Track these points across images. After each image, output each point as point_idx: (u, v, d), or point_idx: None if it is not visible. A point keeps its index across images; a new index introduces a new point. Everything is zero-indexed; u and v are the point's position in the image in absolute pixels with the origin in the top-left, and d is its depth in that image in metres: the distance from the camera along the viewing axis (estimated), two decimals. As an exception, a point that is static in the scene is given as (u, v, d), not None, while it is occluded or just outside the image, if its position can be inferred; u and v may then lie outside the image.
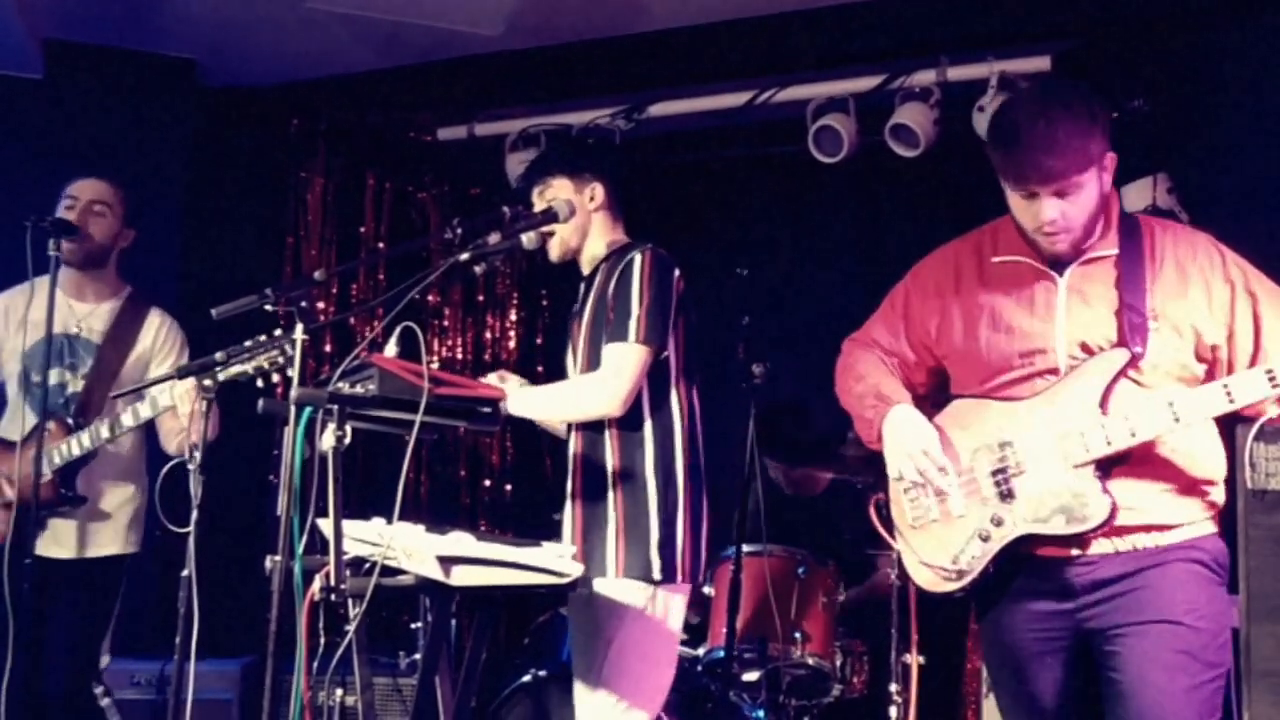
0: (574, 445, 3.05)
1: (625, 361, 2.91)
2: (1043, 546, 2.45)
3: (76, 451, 3.55)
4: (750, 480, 3.92)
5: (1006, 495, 2.46)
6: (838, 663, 4.07)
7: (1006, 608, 2.54)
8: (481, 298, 6.02)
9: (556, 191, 3.12)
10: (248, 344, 2.77)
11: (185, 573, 2.81)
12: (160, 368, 3.74)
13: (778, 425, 4.81)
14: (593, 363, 3.02)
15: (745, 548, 3.95)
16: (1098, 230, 2.47)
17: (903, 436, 2.55)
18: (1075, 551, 2.43)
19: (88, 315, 3.76)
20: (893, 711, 4.04)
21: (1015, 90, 4.61)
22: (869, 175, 5.32)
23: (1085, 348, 2.43)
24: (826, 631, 4.08)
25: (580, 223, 3.12)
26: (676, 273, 3.01)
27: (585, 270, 3.18)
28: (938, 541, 2.55)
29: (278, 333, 2.73)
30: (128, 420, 3.49)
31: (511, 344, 6.05)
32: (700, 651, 4.12)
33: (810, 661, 4.01)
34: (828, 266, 5.71)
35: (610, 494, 2.94)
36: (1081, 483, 2.38)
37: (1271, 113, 4.04)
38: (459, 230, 2.74)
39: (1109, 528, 2.37)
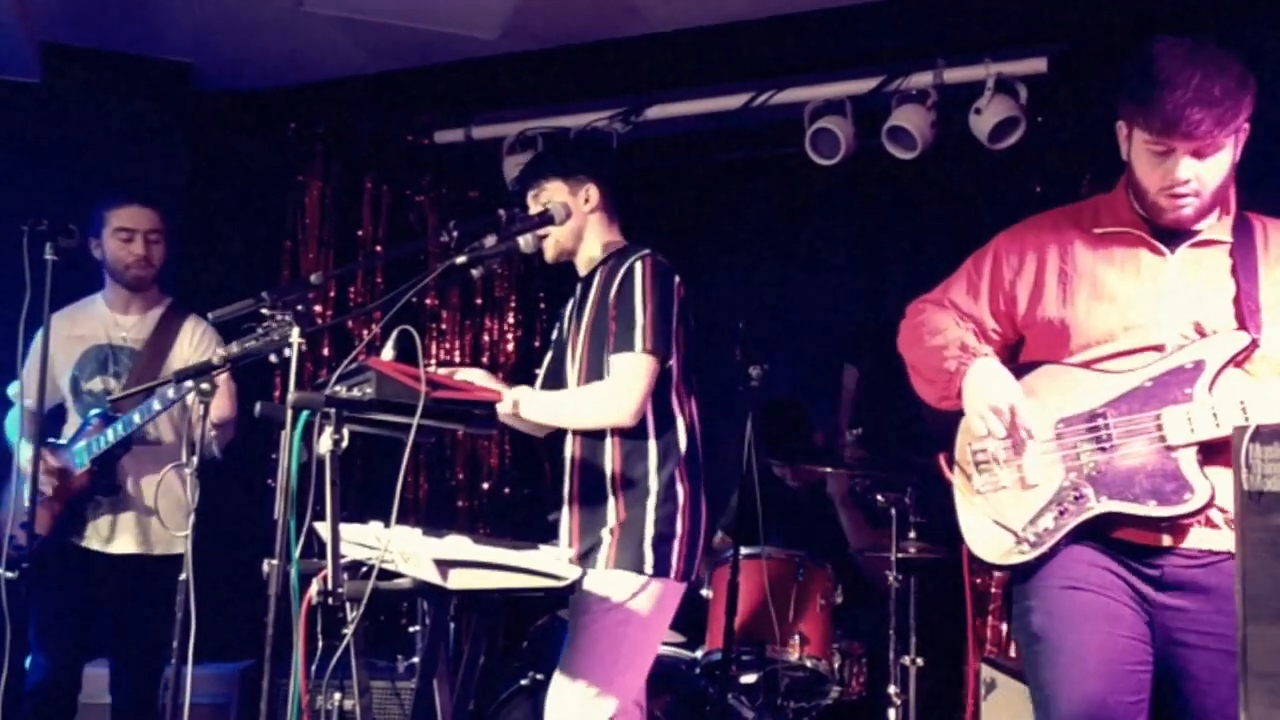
0: (572, 449, 3.05)
1: (635, 372, 2.91)
2: (1128, 530, 2.32)
3: (111, 439, 3.68)
4: (748, 482, 3.92)
5: (1092, 468, 2.34)
6: (836, 665, 4.07)
7: (1080, 565, 2.36)
8: (479, 300, 6.02)
9: (550, 194, 3.12)
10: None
11: (183, 576, 2.81)
12: None
13: (775, 423, 4.81)
14: (592, 365, 3.02)
15: (743, 550, 3.95)
16: (1217, 208, 2.39)
17: (988, 389, 2.39)
18: (1168, 540, 2.31)
19: (131, 327, 3.97)
20: (891, 714, 4.04)
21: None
22: (866, 177, 5.32)
23: (1199, 328, 2.35)
24: (824, 633, 4.08)
25: (575, 225, 3.12)
26: (676, 279, 3.02)
27: (582, 271, 3.19)
28: (1004, 509, 2.41)
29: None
30: (156, 405, 3.59)
31: (510, 347, 6.06)
32: (698, 654, 4.12)
33: (808, 663, 4.01)
34: (825, 269, 5.72)
35: (610, 498, 2.94)
36: (1180, 464, 2.27)
37: (1269, 115, 4.04)
38: (455, 233, 2.74)
39: (1205, 518, 2.27)
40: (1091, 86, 4.69)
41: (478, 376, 3.03)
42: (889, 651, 4.10)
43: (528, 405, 2.99)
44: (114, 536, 3.82)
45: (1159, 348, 2.36)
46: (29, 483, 3.65)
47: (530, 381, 3.28)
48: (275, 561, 2.31)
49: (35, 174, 4.85)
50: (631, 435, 2.96)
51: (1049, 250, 2.50)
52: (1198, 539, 2.31)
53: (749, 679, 4.04)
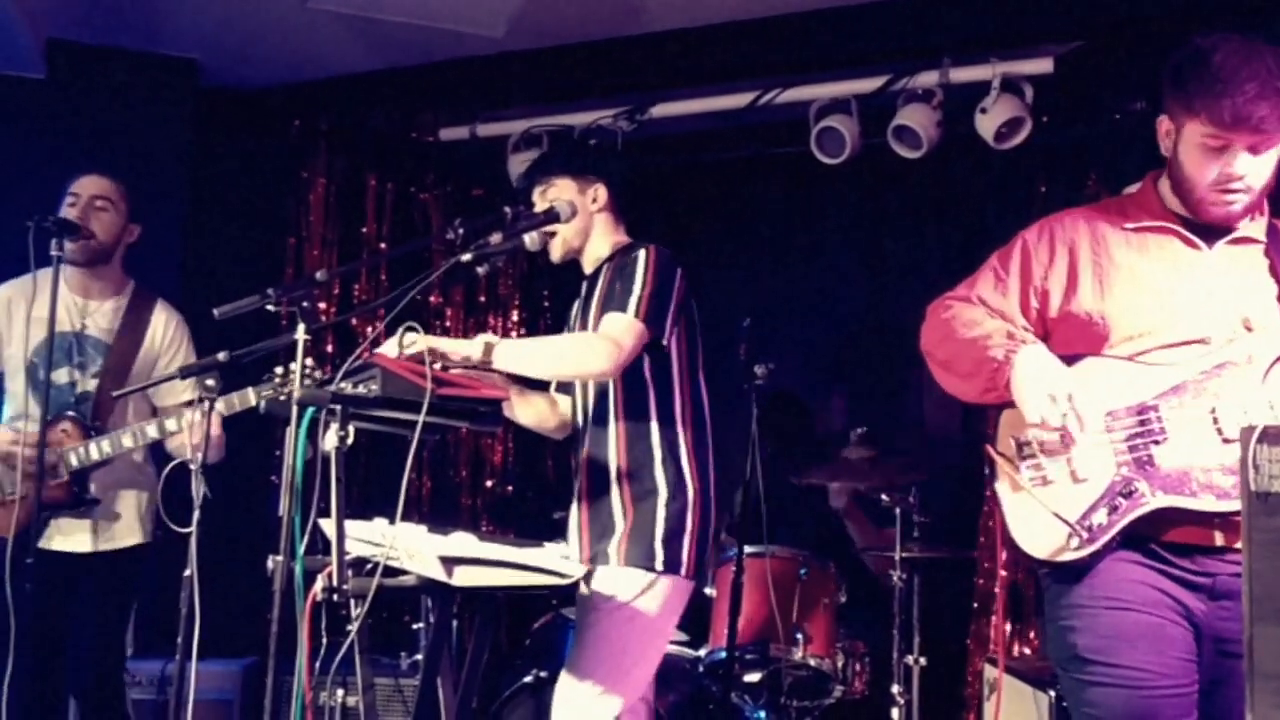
0: (583, 448, 3.04)
1: (622, 329, 2.85)
2: (1181, 529, 2.27)
3: (95, 457, 3.57)
4: (752, 481, 3.91)
5: (1145, 462, 2.29)
6: (839, 664, 4.07)
7: (1125, 584, 2.30)
8: (483, 298, 6.02)
9: (559, 192, 3.12)
10: (266, 376, 2.79)
11: (187, 573, 2.82)
12: (169, 364, 3.77)
13: (778, 413, 4.80)
14: None
15: (746, 549, 3.95)
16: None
17: (1047, 376, 2.29)
18: (1221, 540, 2.25)
19: (94, 312, 3.77)
20: (894, 713, 4.04)
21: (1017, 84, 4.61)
22: (871, 176, 5.32)
23: (1246, 324, 2.32)
24: (828, 632, 4.08)
25: (582, 224, 3.12)
26: (680, 271, 3.00)
27: (588, 270, 3.18)
28: (1059, 504, 2.32)
29: (292, 365, 2.66)
30: (152, 433, 3.53)
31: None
32: (702, 653, 4.11)
33: (812, 663, 4.01)
34: (830, 268, 5.72)
35: (617, 492, 2.93)
36: (1236, 457, 2.18)
37: None
38: (460, 231, 2.74)
39: None
40: (1097, 87, 4.68)
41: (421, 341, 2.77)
42: (892, 651, 4.10)
43: (502, 351, 2.79)
44: (77, 537, 3.68)
45: (1203, 341, 2.33)
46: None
47: (542, 385, 3.25)
48: (280, 558, 2.31)
49: (40, 170, 4.84)
50: (635, 429, 2.95)
51: (1081, 243, 2.45)
52: None
53: (752, 678, 4.04)
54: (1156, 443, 2.30)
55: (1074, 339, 2.43)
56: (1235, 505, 2.20)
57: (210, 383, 2.85)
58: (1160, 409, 2.31)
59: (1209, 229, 2.40)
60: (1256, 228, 2.41)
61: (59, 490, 3.58)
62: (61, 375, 3.68)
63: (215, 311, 2.57)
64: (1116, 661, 2.29)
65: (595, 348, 2.84)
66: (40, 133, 4.94)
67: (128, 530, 3.77)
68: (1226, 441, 2.25)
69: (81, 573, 3.70)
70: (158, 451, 3.81)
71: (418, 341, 2.67)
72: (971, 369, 2.43)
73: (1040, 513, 2.34)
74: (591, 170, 3.15)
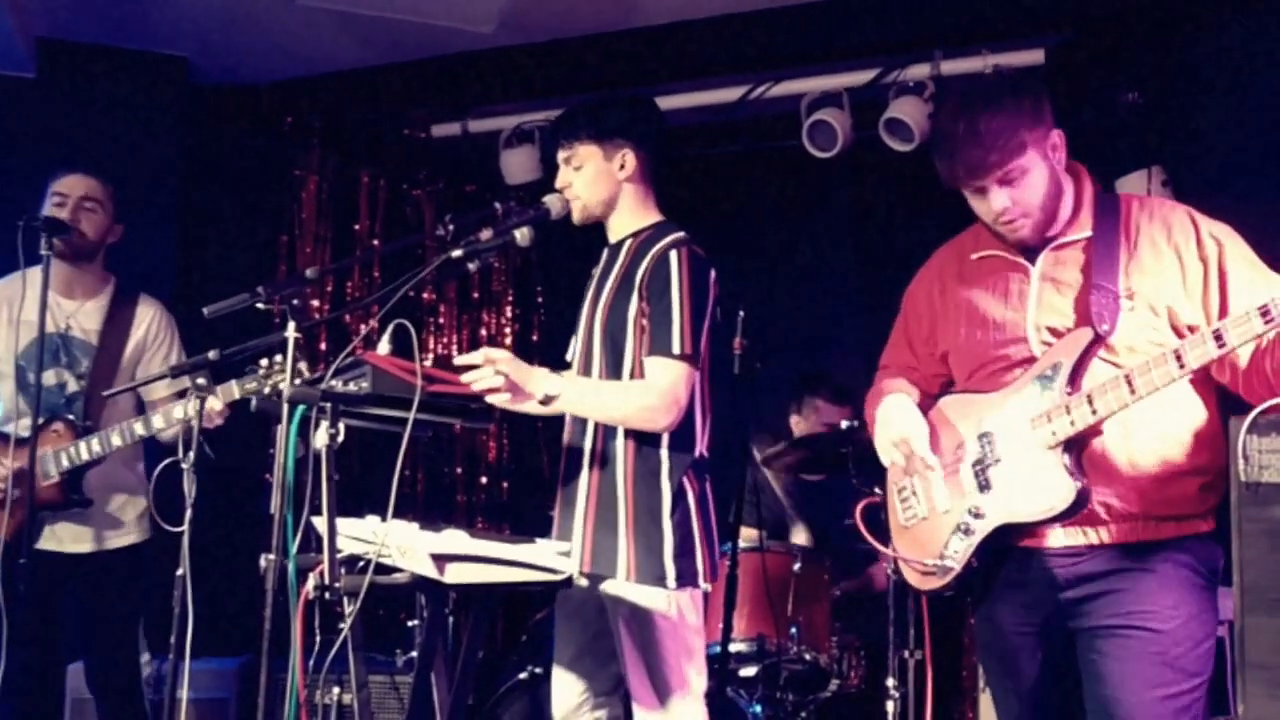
0: (589, 442, 2.96)
1: (676, 379, 2.80)
2: (1023, 538, 2.42)
3: (86, 456, 3.56)
4: (746, 475, 3.91)
5: (985, 486, 2.44)
6: (835, 658, 4.07)
7: (993, 600, 2.53)
8: (476, 294, 6.02)
9: (582, 158, 2.98)
10: (262, 361, 2.82)
11: (180, 572, 2.81)
12: (155, 359, 3.78)
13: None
14: (609, 336, 2.93)
15: (741, 543, 3.95)
16: (1064, 213, 2.44)
17: (888, 424, 2.58)
18: (1053, 544, 2.39)
19: (76, 312, 3.76)
20: (890, 706, 4.04)
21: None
22: (863, 169, 5.32)
23: (1054, 332, 2.41)
24: (823, 627, 4.08)
25: (608, 193, 2.99)
26: (712, 274, 2.92)
27: (612, 239, 3.07)
28: (925, 538, 2.54)
29: (277, 357, 2.70)
30: (140, 430, 3.51)
31: (508, 340, 6.05)
32: (697, 647, 4.11)
33: (807, 657, 4.01)
34: (822, 260, 5.72)
35: (622, 496, 2.87)
36: (1051, 467, 2.34)
37: (1263, 104, 4.04)
38: (451, 227, 2.73)
39: (1085, 516, 2.32)
40: (1088, 78, 4.68)
41: (504, 357, 2.75)
42: (888, 644, 4.10)
43: (565, 401, 2.81)
44: (70, 537, 3.69)
45: (1031, 360, 2.43)
46: None
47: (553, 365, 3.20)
48: (273, 556, 2.31)
49: (30, 170, 4.83)
50: (648, 434, 2.88)
51: (935, 290, 2.66)
52: (1075, 537, 2.37)
53: (748, 672, 4.04)
54: (995, 464, 2.44)
55: (954, 374, 2.64)
56: (1052, 514, 2.32)
57: (202, 380, 2.85)
58: (993, 433, 2.45)
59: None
60: (1079, 225, 2.46)
61: (51, 491, 3.57)
62: (49, 377, 3.66)
63: (205, 310, 2.57)
64: (995, 688, 2.66)
65: (656, 410, 2.80)
66: (30, 132, 4.93)
67: (126, 530, 3.78)
68: (1046, 451, 2.35)
69: (82, 574, 3.71)
70: (149, 448, 3.79)
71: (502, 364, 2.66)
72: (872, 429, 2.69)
73: (909, 552, 2.57)
74: (619, 134, 2.97)
